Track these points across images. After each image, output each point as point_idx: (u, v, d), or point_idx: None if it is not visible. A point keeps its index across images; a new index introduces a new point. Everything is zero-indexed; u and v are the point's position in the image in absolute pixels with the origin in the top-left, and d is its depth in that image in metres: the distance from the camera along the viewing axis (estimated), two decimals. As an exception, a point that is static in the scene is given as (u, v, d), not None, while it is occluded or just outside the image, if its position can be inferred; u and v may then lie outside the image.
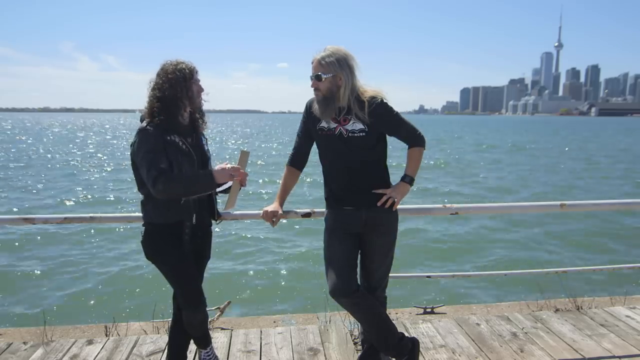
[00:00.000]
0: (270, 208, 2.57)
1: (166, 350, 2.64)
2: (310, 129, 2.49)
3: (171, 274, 2.37)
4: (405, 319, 3.49)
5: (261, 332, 3.25)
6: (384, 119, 2.38)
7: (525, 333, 3.17)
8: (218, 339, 3.10)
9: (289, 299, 6.65)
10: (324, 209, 2.60)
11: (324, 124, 2.41)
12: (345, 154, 2.39)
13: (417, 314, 3.74)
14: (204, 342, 2.59)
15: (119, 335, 3.32)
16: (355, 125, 2.36)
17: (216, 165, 2.46)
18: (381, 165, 2.48)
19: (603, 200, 4.16)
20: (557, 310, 3.61)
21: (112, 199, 14.64)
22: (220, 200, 2.59)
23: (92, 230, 9.87)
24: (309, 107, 2.47)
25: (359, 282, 2.51)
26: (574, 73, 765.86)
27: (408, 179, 2.47)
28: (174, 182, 2.17)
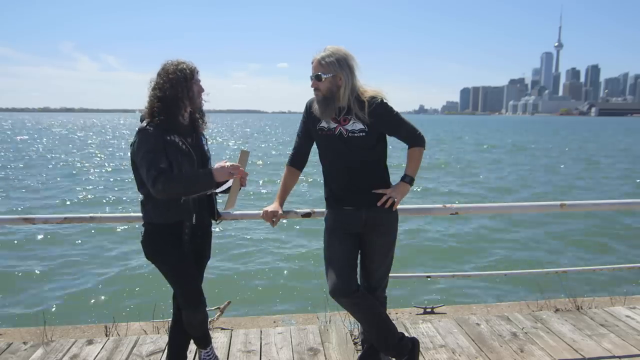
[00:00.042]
0: (270, 208, 2.57)
1: (166, 350, 2.64)
2: (310, 129, 2.49)
3: (171, 274, 2.37)
4: (405, 319, 3.49)
5: (261, 332, 3.25)
6: (384, 119, 2.38)
7: (525, 333, 3.18)
8: (218, 339, 3.10)
9: (289, 299, 6.65)
10: (324, 209, 2.60)
11: (324, 124, 2.41)
12: (345, 154, 2.39)
13: (417, 314, 3.74)
14: (204, 342, 2.59)
15: (119, 335, 3.32)
16: (355, 125, 2.36)
17: (216, 164, 2.46)
18: (381, 165, 2.48)
19: (603, 200, 4.17)
20: (557, 310, 3.61)
21: (112, 199, 14.64)
22: (221, 201, 2.59)
23: (92, 230, 9.87)
24: (309, 107, 2.47)
25: (359, 282, 2.51)
26: (574, 73, 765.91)
27: (408, 179, 2.47)
28: (174, 181, 2.17)
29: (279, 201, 2.60)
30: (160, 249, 2.35)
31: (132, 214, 2.79)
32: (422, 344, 2.87)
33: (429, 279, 6.39)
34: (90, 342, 3.10)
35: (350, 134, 2.36)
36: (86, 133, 61.80)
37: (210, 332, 2.70)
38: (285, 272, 7.76)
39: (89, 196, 15.03)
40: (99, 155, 30.00)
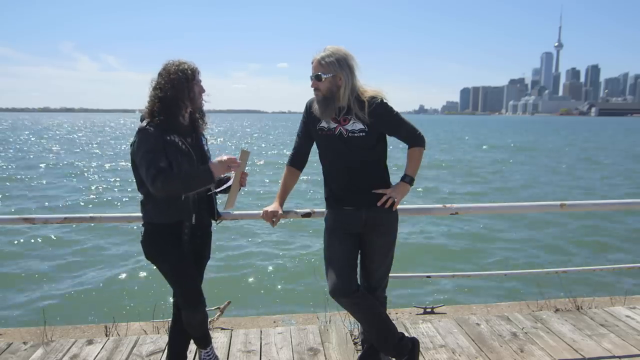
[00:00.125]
0: (270, 208, 2.57)
1: (166, 350, 2.64)
2: (310, 129, 2.49)
3: (171, 274, 2.37)
4: (405, 319, 3.49)
5: (261, 332, 3.25)
6: (384, 119, 2.38)
7: (525, 333, 3.17)
8: (218, 339, 3.10)
9: (289, 299, 6.65)
10: (324, 209, 2.60)
11: (324, 124, 2.41)
12: (345, 154, 2.39)
13: (417, 314, 3.74)
14: (204, 342, 2.59)
15: (119, 335, 3.32)
16: (355, 125, 2.36)
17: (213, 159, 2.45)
18: (381, 165, 2.48)
19: (603, 200, 4.17)
20: (557, 310, 3.61)
21: (112, 199, 14.64)
22: (220, 201, 2.59)
23: (92, 231, 9.87)
24: (309, 107, 2.47)
25: (359, 282, 2.51)
26: (574, 73, 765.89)
27: (408, 179, 2.47)
28: (173, 179, 2.17)
29: (279, 201, 2.60)
30: (160, 249, 2.35)
31: (132, 214, 2.79)
32: (422, 344, 2.87)
33: (429, 279, 6.38)
34: (90, 342, 3.10)
35: (350, 134, 2.36)
36: (86, 133, 61.82)
37: (210, 332, 2.70)
38: (286, 272, 7.76)
39: (90, 196, 15.03)
40: (99, 155, 30.00)
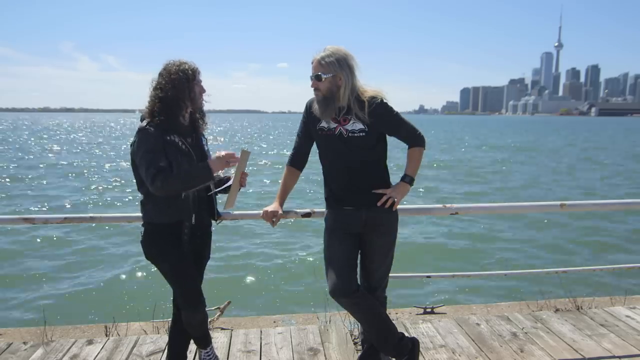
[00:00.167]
0: (270, 208, 2.57)
1: (166, 350, 2.64)
2: (310, 129, 2.49)
3: (170, 274, 2.37)
4: (405, 319, 3.49)
5: (261, 332, 3.25)
6: (384, 119, 2.38)
7: (525, 333, 3.18)
8: (218, 339, 3.10)
9: (289, 299, 6.64)
10: (324, 209, 2.60)
11: (324, 124, 2.41)
12: (345, 154, 2.39)
13: (417, 314, 3.74)
14: (204, 342, 2.59)
15: (119, 335, 3.32)
16: (355, 125, 2.36)
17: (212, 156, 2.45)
18: (381, 165, 2.48)
19: (603, 200, 4.17)
20: (557, 310, 3.61)
21: (112, 199, 14.64)
22: (221, 201, 2.59)
23: (92, 231, 9.87)
24: (309, 107, 2.47)
25: (359, 282, 2.51)
26: (574, 73, 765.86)
27: (408, 179, 2.47)
28: (173, 179, 2.17)
29: (279, 201, 2.60)
30: (160, 249, 2.35)
31: (132, 214, 2.79)
32: (422, 344, 2.87)
33: (429, 278, 6.39)
34: (90, 342, 3.10)
35: (350, 134, 2.36)
36: (86, 133, 61.82)
37: (210, 332, 2.70)
38: (286, 272, 7.76)
39: (89, 196, 15.03)
40: (99, 155, 30.00)
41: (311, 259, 8.18)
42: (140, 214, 2.40)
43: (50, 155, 29.63)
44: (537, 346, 2.99)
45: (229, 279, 7.33)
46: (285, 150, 32.26)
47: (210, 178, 2.29)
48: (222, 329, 3.45)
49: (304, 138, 2.54)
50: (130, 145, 2.29)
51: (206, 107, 2.45)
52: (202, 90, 2.38)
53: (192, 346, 2.71)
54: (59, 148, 35.41)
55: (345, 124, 2.37)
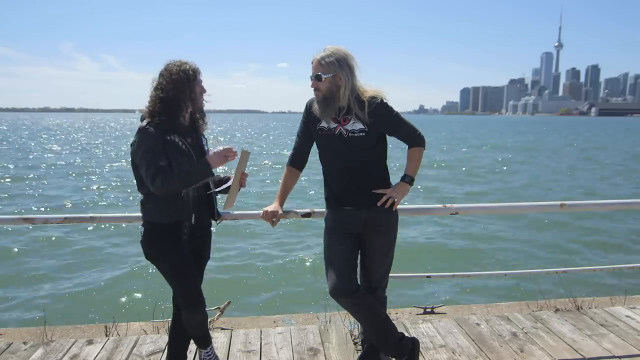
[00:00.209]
0: (270, 208, 2.57)
1: (166, 350, 2.64)
2: (310, 129, 2.49)
3: (170, 274, 2.37)
4: (405, 319, 3.49)
5: (261, 332, 3.25)
6: (384, 119, 2.38)
7: (525, 333, 3.17)
8: (218, 339, 3.10)
9: (289, 299, 6.64)
10: (324, 209, 2.60)
11: (324, 124, 2.41)
12: (345, 154, 2.39)
13: (417, 314, 3.73)
14: (204, 342, 2.59)
15: (119, 335, 3.32)
16: (355, 125, 2.36)
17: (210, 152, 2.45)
18: (381, 165, 2.48)
19: (603, 200, 4.17)
20: (557, 310, 3.60)
21: (112, 199, 14.64)
22: (221, 201, 2.59)
23: (92, 231, 9.87)
24: (309, 107, 2.47)
25: (359, 282, 2.51)
26: (574, 73, 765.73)
27: (408, 179, 2.47)
28: (173, 178, 2.17)
29: (279, 201, 2.60)
30: (159, 249, 2.35)
31: (132, 214, 2.79)
32: (422, 344, 2.87)
33: (429, 278, 6.38)
34: (90, 342, 3.10)
35: (350, 134, 2.36)
36: (86, 133, 61.81)
37: (210, 332, 2.70)
38: (286, 272, 7.76)
39: (89, 196, 15.03)
40: (99, 155, 30.00)
41: (311, 259, 8.18)
42: (140, 214, 2.40)
43: (50, 155, 29.62)
44: (537, 346, 2.99)
45: (229, 279, 7.33)
46: (285, 150, 32.27)
47: (210, 174, 2.28)
48: (222, 329, 3.45)
49: (304, 138, 2.54)
50: (131, 145, 2.29)
51: (206, 107, 2.45)
52: (203, 91, 2.38)
53: (192, 346, 2.71)
54: (59, 148, 35.40)
55: (345, 124, 2.37)
